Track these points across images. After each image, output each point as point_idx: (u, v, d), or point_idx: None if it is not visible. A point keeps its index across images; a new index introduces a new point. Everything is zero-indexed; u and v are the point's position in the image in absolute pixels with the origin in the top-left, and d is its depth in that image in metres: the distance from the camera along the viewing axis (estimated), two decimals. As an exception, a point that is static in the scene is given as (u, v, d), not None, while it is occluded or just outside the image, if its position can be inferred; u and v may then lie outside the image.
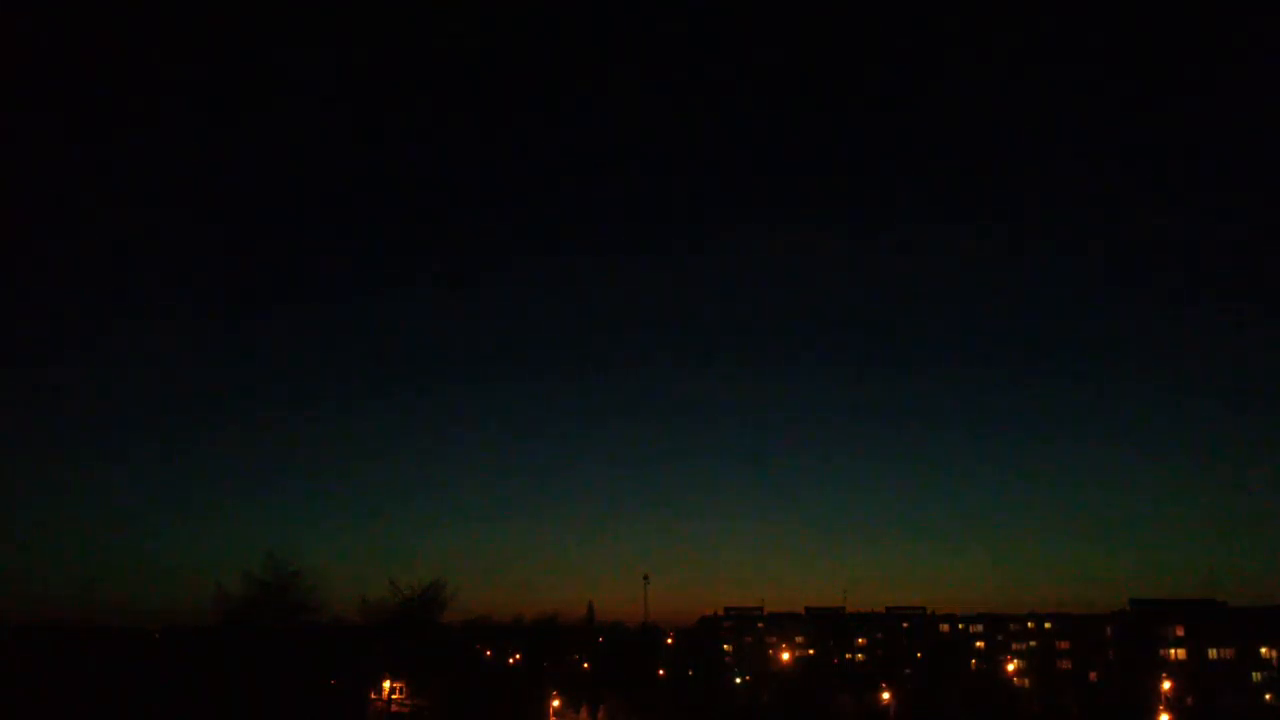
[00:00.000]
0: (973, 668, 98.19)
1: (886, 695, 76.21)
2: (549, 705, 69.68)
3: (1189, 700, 77.93)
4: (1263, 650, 79.21)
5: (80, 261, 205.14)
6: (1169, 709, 75.53)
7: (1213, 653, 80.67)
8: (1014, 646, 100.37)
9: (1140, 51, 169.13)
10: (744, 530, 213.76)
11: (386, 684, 58.92)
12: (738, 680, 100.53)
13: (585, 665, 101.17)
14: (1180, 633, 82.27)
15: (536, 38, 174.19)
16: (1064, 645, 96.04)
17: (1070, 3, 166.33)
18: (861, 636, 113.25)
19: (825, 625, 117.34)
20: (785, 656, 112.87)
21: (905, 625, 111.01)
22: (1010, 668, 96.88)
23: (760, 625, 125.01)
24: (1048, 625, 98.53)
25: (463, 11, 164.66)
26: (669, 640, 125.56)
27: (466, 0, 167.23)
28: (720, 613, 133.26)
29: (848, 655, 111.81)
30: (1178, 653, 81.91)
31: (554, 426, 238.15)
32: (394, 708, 58.38)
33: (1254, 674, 79.14)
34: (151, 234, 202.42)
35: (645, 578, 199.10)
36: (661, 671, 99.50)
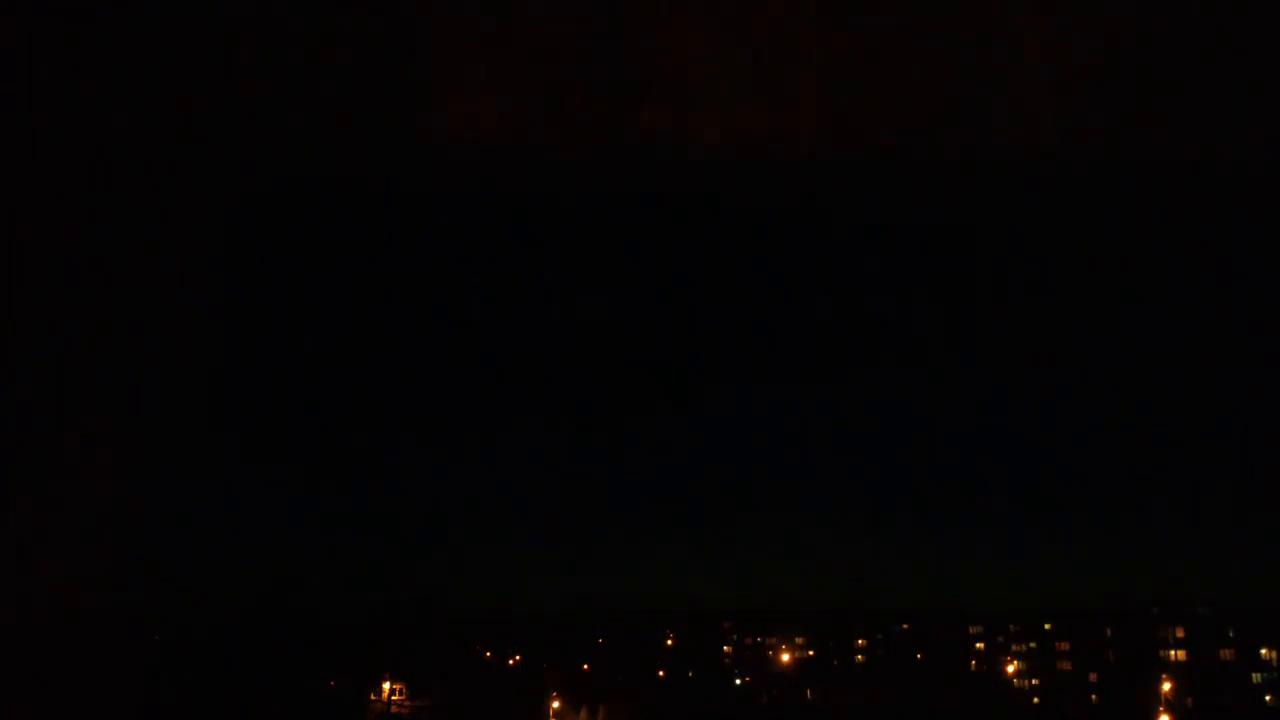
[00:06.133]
0: (973, 668, 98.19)
1: (886, 695, 76.18)
2: (549, 706, 69.72)
3: (1189, 701, 77.96)
4: (1263, 651, 79.22)
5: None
6: (1169, 710, 75.55)
7: (1213, 653, 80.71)
8: (1014, 647, 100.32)
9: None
10: (744, 530, 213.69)
11: (386, 685, 58.97)
12: (737, 681, 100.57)
13: (585, 667, 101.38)
14: (1180, 633, 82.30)
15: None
16: (1064, 645, 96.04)
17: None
18: (861, 637, 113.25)
19: (825, 625, 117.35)
20: (785, 657, 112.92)
21: (905, 626, 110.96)
22: (1010, 668, 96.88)
23: (760, 626, 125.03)
24: (1048, 625, 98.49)
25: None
26: (669, 641, 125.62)
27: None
28: (720, 613, 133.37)
29: (848, 656, 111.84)
30: (1178, 653, 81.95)
31: (551, 426, 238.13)
32: (394, 709, 58.41)
33: (1254, 675, 79.15)
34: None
35: (645, 579, 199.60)
36: (661, 673, 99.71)
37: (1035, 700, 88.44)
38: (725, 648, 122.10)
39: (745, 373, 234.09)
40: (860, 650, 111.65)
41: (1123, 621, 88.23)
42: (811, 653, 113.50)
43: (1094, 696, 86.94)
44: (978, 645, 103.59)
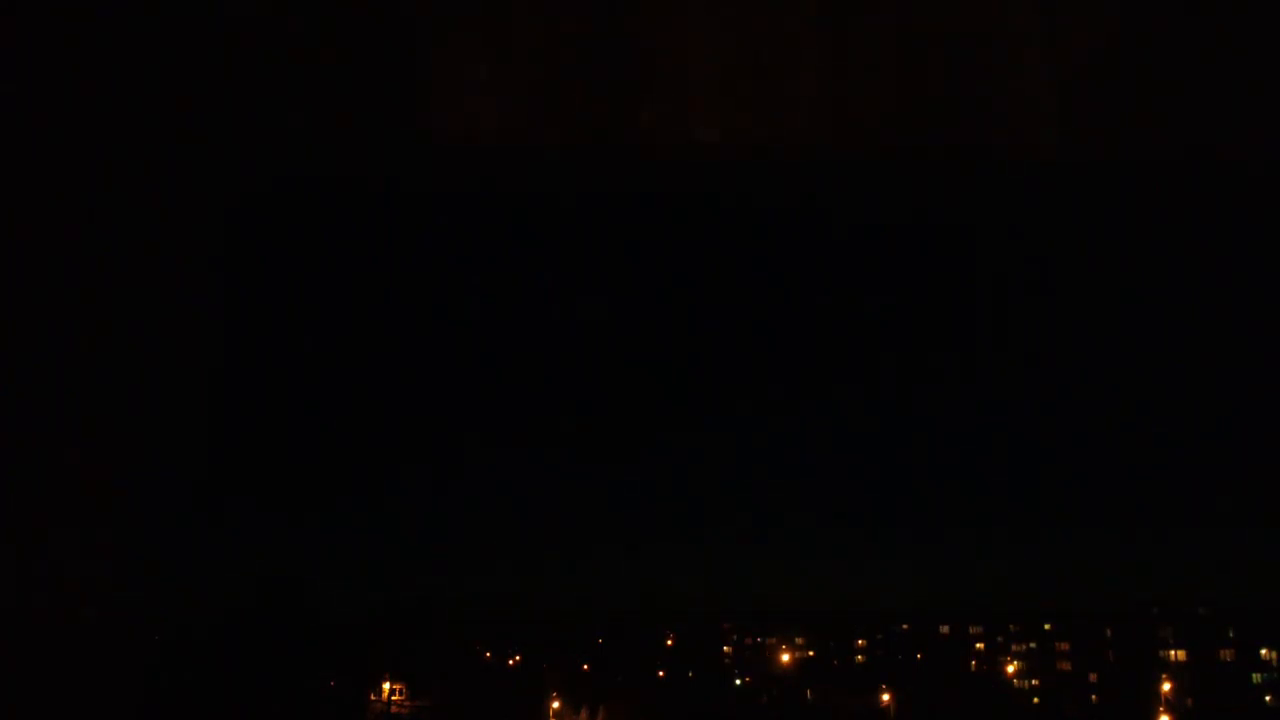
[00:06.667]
0: (973, 668, 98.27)
1: (886, 696, 76.27)
2: (549, 706, 69.78)
3: (1189, 701, 78.02)
4: (1263, 651, 79.27)
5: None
6: (1169, 710, 75.59)
7: (1213, 653, 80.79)
8: (1014, 647, 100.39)
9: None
10: (744, 531, 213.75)
11: (386, 685, 59.05)
12: (737, 682, 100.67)
13: (585, 667, 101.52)
14: (1180, 633, 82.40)
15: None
16: (1064, 645, 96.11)
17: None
18: (861, 637, 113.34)
19: (825, 625, 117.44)
20: (785, 658, 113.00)
21: (905, 626, 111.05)
22: (1010, 669, 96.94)
23: (759, 626, 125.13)
24: (1048, 626, 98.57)
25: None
26: (669, 642, 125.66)
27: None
28: (719, 613, 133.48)
29: (848, 656, 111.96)
30: (1178, 653, 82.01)
31: (551, 426, 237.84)
32: (394, 709, 58.48)
33: (1254, 675, 79.20)
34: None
35: (645, 579, 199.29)
36: (661, 673, 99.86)
37: (1035, 700, 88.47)
38: (725, 648, 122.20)
39: (745, 372, 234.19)
40: (860, 650, 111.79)
41: (1123, 621, 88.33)
42: (811, 653, 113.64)
43: (1094, 696, 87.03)
44: (978, 645, 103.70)
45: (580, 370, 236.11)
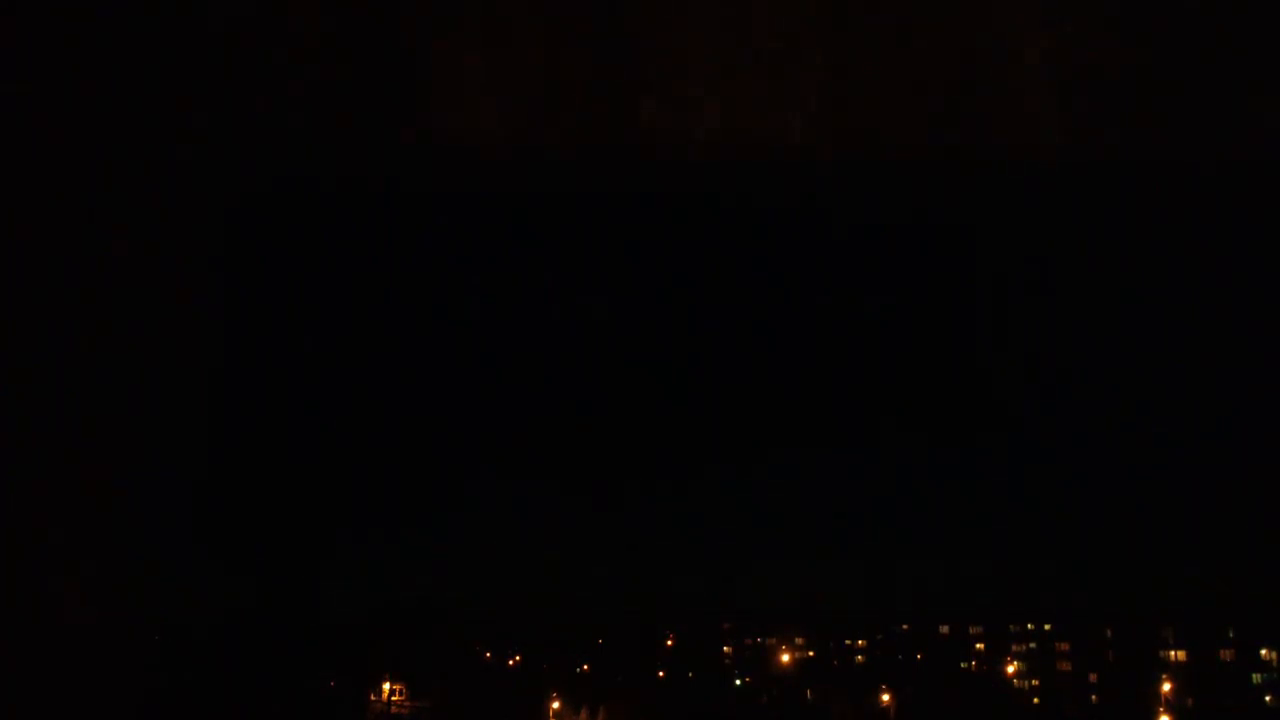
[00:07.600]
0: (973, 669, 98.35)
1: (886, 696, 76.34)
2: (549, 706, 69.86)
3: (1189, 701, 78.05)
4: (1263, 651, 79.30)
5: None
6: (1169, 710, 75.63)
7: (1213, 653, 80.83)
8: (1014, 647, 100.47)
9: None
10: (742, 530, 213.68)
11: (386, 685, 59.14)
12: (737, 682, 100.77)
13: (585, 667, 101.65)
14: (1180, 634, 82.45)
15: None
16: (1064, 646, 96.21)
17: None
18: (861, 637, 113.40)
19: (825, 626, 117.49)
20: (785, 658, 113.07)
21: (905, 627, 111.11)
22: (1010, 669, 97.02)
23: (759, 626, 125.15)
24: (1048, 626, 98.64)
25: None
26: (669, 642, 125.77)
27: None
28: (719, 613, 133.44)
29: (848, 656, 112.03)
30: (1178, 654, 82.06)
31: (550, 424, 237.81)
32: (394, 709, 58.57)
33: (1254, 675, 79.22)
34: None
35: (645, 580, 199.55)
36: (661, 673, 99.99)
37: (1035, 700, 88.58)
38: (725, 648, 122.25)
39: (745, 372, 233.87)
40: (860, 650, 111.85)
41: (1123, 621, 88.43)
42: (811, 653, 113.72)
43: (1094, 696, 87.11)
44: (978, 645, 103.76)
45: (580, 371, 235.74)
